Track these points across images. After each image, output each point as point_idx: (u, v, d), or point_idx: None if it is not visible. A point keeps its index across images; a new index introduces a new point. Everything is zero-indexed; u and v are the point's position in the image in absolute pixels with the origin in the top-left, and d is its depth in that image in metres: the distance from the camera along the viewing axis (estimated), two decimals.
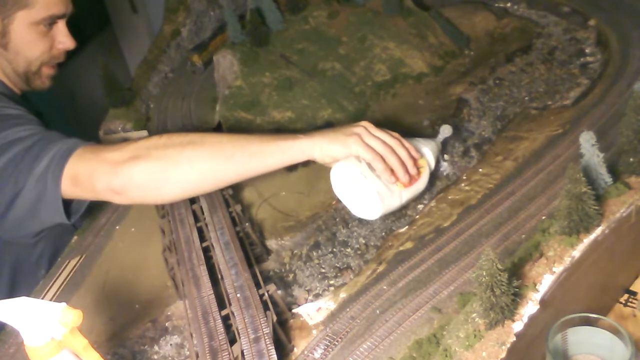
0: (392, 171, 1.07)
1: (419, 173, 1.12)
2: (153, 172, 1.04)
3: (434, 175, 1.26)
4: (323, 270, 1.10)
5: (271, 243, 1.18)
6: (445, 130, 1.24)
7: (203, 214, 1.17)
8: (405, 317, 0.92)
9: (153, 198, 1.11)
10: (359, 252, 1.13)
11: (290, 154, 1.07)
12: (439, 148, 1.23)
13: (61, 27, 1.41)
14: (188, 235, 1.12)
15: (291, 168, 1.28)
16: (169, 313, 1.09)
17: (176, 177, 1.05)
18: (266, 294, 0.95)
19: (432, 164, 1.17)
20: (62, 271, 1.24)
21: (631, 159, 0.88)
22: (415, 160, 1.11)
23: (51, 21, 1.37)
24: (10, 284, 1.40)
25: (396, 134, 1.11)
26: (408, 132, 1.18)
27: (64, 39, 1.42)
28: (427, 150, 1.16)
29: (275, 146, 1.06)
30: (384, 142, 1.08)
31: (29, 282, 1.40)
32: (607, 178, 0.85)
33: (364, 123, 1.10)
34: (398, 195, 1.09)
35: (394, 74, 1.56)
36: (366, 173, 1.05)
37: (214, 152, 1.06)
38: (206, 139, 1.08)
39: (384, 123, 1.28)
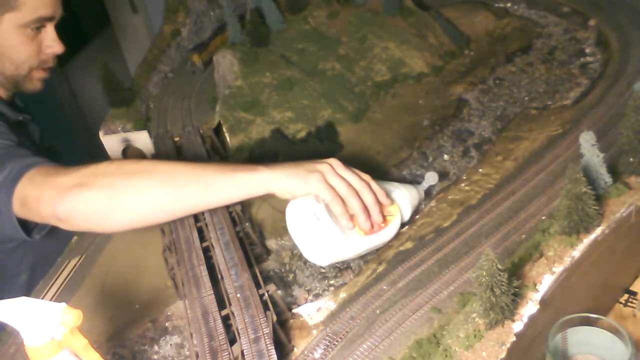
0: (352, 216, 1.00)
1: (385, 221, 1.03)
2: (97, 201, 0.99)
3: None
4: (323, 270, 1.10)
5: (271, 243, 1.18)
6: (431, 178, 1.15)
7: (203, 214, 1.17)
8: (405, 317, 0.92)
9: (98, 227, 1.06)
10: None
11: (247, 186, 1.01)
12: (421, 197, 1.14)
13: (49, 31, 1.38)
14: (188, 235, 1.12)
15: None
16: (169, 313, 1.09)
17: (122, 206, 1.00)
18: (266, 294, 0.95)
19: (407, 214, 1.08)
20: (62, 271, 1.24)
21: (631, 159, 0.88)
22: (382, 207, 1.03)
23: (39, 24, 1.35)
24: None
25: (366, 176, 1.04)
26: (406, 131, 1.17)
27: (52, 43, 1.39)
28: (404, 198, 1.07)
29: (232, 178, 1.01)
30: (348, 184, 1.00)
31: (9, 289, 1.39)
32: (607, 178, 0.85)
33: (332, 160, 1.03)
34: (355, 243, 1.00)
35: (394, 74, 1.56)
36: (321, 215, 0.97)
37: (165, 181, 1.00)
38: (158, 167, 1.03)
39: (384, 123, 1.28)
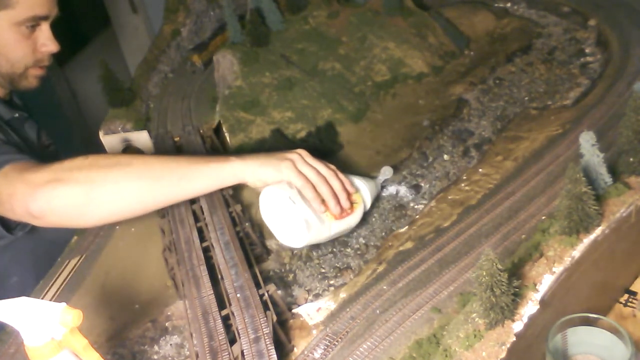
0: (323, 201, 1.04)
1: (352, 207, 1.09)
2: (73, 196, 0.99)
3: (435, 175, 1.26)
4: (323, 270, 1.10)
5: (271, 243, 1.18)
6: (386, 172, 1.23)
7: (203, 214, 1.17)
8: (405, 317, 0.92)
9: (74, 223, 1.07)
10: (359, 252, 1.13)
11: (220, 176, 1.04)
12: (378, 189, 1.21)
13: (44, 30, 1.38)
14: (188, 235, 1.12)
15: None
16: (169, 313, 1.09)
17: (99, 201, 1.00)
18: (266, 294, 0.95)
19: (368, 202, 1.14)
20: (62, 271, 1.24)
21: (631, 159, 0.88)
22: (349, 194, 1.09)
23: (34, 22, 1.34)
24: None
25: (332, 166, 1.09)
26: (406, 131, 1.18)
27: (47, 42, 1.38)
28: (365, 189, 1.13)
29: (205, 168, 1.04)
30: (317, 171, 1.05)
31: (0, 290, 1.38)
32: (607, 178, 0.85)
33: (300, 151, 1.08)
34: (328, 226, 1.05)
35: (394, 74, 1.56)
36: (295, 199, 1.02)
37: (141, 174, 1.02)
38: (134, 160, 1.05)
39: (384, 123, 1.28)
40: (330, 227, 1.06)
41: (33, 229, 1.33)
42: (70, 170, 1.01)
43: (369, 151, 1.36)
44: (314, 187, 1.04)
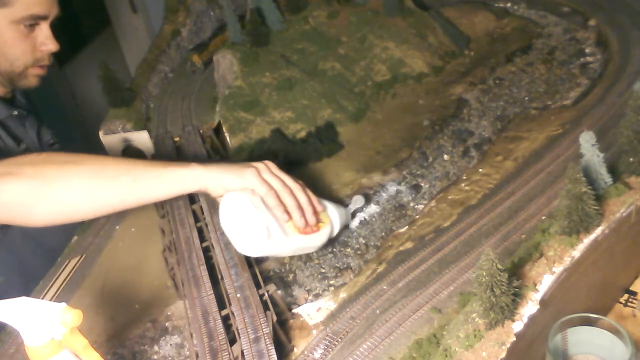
0: (287, 211, 1.00)
1: (317, 225, 1.04)
2: (22, 191, 0.95)
3: (435, 175, 1.26)
4: (323, 270, 1.10)
5: None
6: (357, 201, 1.18)
7: (203, 214, 1.17)
8: (405, 317, 0.92)
9: (21, 219, 1.02)
10: (359, 252, 1.13)
11: (180, 181, 1.00)
12: (348, 218, 1.17)
13: (44, 29, 1.37)
14: (188, 235, 1.12)
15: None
16: (169, 313, 1.09)
17: (49, 197, 0.97)
18: (266, 294, 0.95)
19: (336, 227, 1.10)
20: (62, 271, 1.24)
21: (631, 159, 0.88)
22: (316, 211, 1.04)
23: (32, 21, 1.33)
24: None
25: (300, 181, 1.05)
26: (406, 131, 1.17)
27: (46, 41, 1.37)
28: (334, 212, 1.09)
29: (164, 172, 0.99)
30: (283, 182, 1.01)
31: None
32: (607, 178, 0.85)
33: (267, 162, 1.04)
34: (291, 239, 1.00)
35: (394, 74, 1.56)
36: (257, 204, 0.97)
37: (95, 172, 0.98)
38: (89, 159, 1.01)
39: (384, 123, 1.28)
40: (293, 239, 1.01)
41: (10, 228, 1.31)
42: (21, 165, 0.98)
43: (369, 151, 1.36)
44: (277, 195, 1.00)
